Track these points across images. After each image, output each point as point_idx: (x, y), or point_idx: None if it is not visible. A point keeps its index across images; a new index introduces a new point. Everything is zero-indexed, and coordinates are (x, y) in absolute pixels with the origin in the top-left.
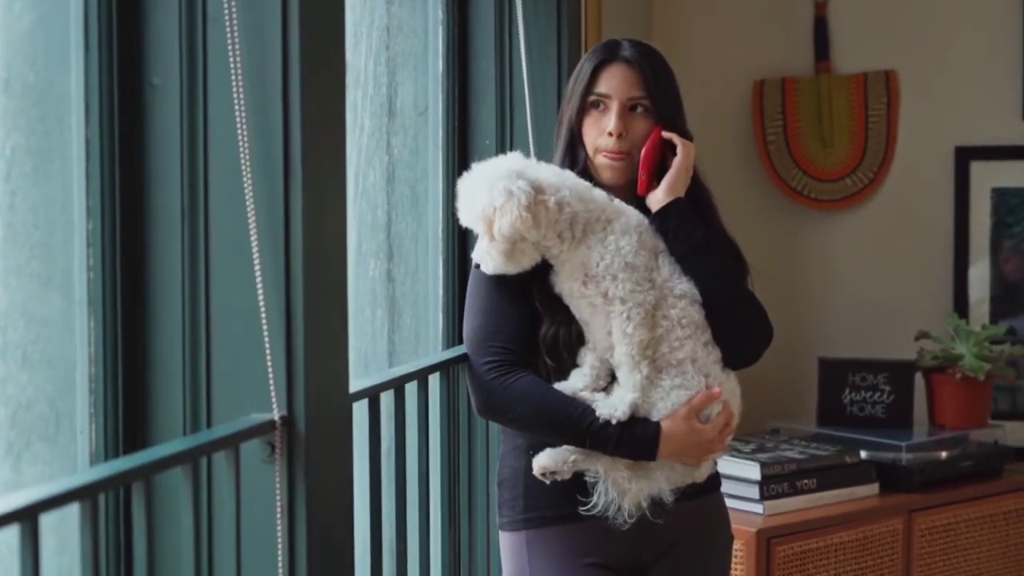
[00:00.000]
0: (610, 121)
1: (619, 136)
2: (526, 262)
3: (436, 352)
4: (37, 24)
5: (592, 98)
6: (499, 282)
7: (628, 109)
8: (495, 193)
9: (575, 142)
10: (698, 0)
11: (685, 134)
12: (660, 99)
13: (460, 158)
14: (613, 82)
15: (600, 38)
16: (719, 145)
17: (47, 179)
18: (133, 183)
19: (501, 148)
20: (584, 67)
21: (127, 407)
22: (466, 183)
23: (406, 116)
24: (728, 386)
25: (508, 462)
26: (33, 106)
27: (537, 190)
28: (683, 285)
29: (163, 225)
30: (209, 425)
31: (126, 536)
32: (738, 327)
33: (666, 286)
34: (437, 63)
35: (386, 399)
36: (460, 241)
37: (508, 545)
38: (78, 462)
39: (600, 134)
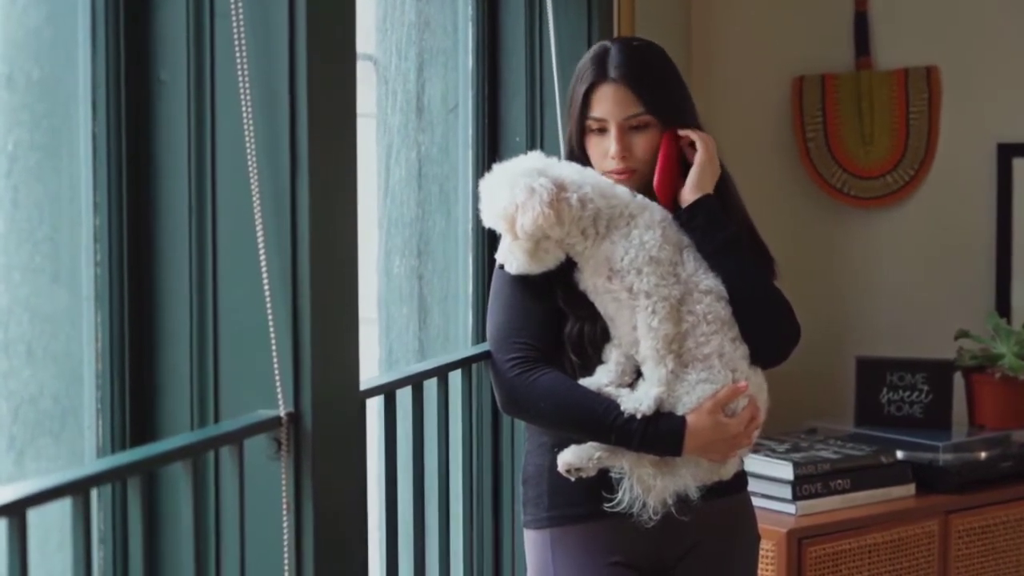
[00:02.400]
0: (611, 145)
1: (622, 158)
2: (550, 261)
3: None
4: (44, 20)
5: (589, 122)
6: (523, 280)
7: (628, 128)
8: (516, 191)
9: (580, 160)
10: None
11: (697, 127)
12: (659, 109)
13: (490, 155)
14: (607, 105)
15: (633, 34)
16: (758, 142)
17: (53, 175)
18: (140, 179)
19: (531, 145)
20: (578, 88)
21: (134, 403)
22: (487, 183)
23: (434, 113)
24: (755, 381)
25: (533, 460)
26: (38, 101)
27: (559, 187)
28: (709, 281)
29: (170, 221)
30: (216, 421)
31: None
32: (765, 326)
33: (691, 281)
34: (467, 60)
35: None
36: (490, 239)
37: (532, 543)
38: (85, 458)
39: (604, 156)
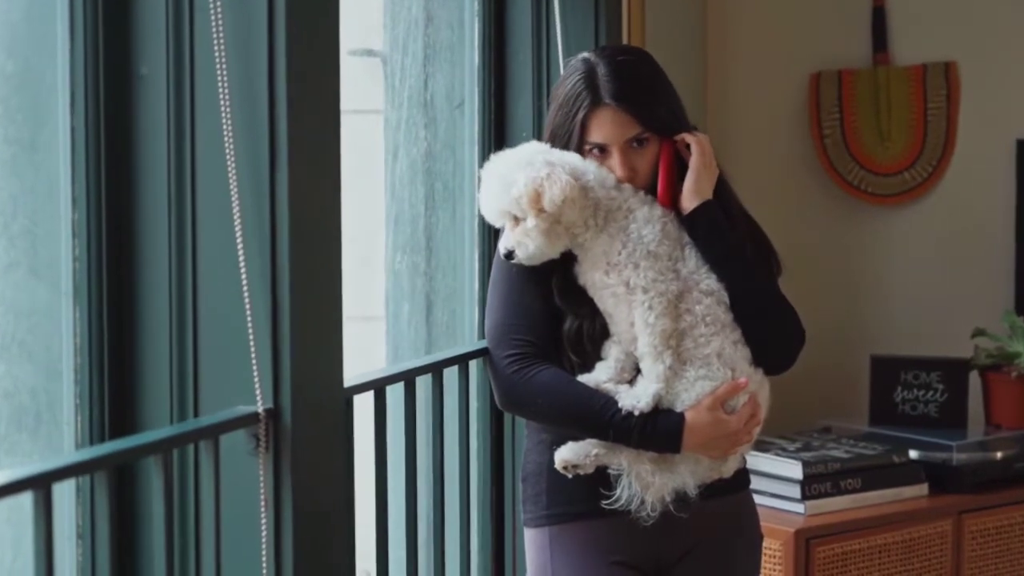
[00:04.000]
0: (615, 166)
1: (628, 179)
2: (560, 247)
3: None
4: (23, 15)
5: (588, 147)
6: (521, 276)
7: (628, 148)
8: (536, 168)
9: None
10: None
11: (690, 128)
12: (657, 125)
13: (496, 152)
14: (606, 129)
15: (643, 29)
16: (774, 139)
17: (30, 168)
18: (119, 173)
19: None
20: (573, 112)
21: (113, 398)
22: (493, 171)
23: (438, 109)
24: (755, 379)
25: (532, 457)
26: (13, 95)
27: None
28: (711, 282)
29: (150, 215)
30: (196, 417)
31: (116, 525)
32: (768, 332)
33: (692, 279)
34: (473, 56)
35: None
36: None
37: (531, 541)
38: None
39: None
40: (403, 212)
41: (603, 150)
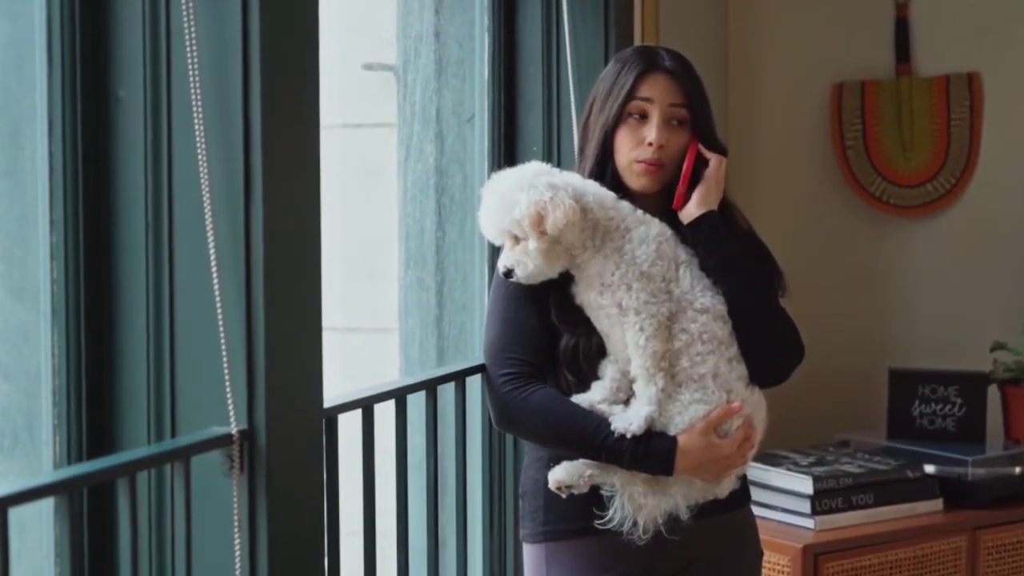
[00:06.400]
0: (650, 131)
1: (659, 147)
2: (558, 267)
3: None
4: (0, 39)
5: (632, 106)
6: (519, 294)
7: (667, 120)
8: (540, 189)
9: (607, 153)
10: (776, 2)
11: (719, 145)
12: (698, 111)
13: (507, 166)
14: (655, 91)
15: (658, 42)
16: (797, 149)
17: (9, 192)
18: (97, 195)
19: (548, 156)
20: (623, 76)
21: (91, 419)
22: (495, 190)
23: (445, 124)
24: (752, 401)
25: (530, 474)
26: None
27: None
28: (706, 299)
29: (127, 237)
30: (174, 437)
31: (94, 543)
32: (765, 344)
33: (685, 298)
34: (483, 70)
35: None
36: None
37: (529, 557)
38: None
39: (637, 144)
40: (412, 225)
41: (643, 116)
